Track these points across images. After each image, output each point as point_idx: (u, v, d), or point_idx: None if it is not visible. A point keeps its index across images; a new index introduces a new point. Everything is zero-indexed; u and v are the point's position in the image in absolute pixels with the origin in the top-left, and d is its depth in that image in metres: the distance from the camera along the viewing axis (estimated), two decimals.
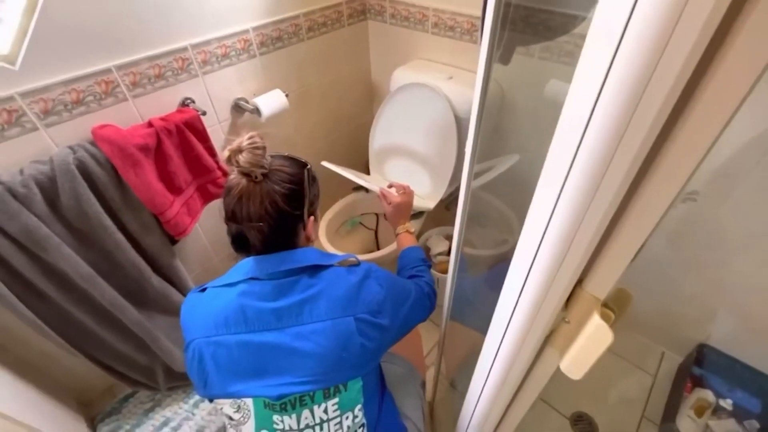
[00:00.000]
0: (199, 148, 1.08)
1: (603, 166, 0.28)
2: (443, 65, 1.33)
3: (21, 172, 0.86)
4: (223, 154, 0.63)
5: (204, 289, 0.70)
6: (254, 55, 1.21)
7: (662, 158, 0.29)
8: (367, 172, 1.59)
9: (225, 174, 1.17)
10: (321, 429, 0.66)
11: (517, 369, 0.53)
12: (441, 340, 1.03)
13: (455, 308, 0.92)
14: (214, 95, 1.16)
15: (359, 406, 0.68)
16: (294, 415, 0.64)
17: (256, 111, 1.21)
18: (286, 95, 1.26)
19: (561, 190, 0.31)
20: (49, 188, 0.87)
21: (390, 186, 1.12)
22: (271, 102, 1.23)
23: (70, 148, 0.90)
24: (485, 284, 0.93)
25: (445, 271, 1.32)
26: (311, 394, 0.64)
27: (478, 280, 0.96)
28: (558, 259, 0.34)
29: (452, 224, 0.85)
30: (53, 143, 0.91)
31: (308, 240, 0.73)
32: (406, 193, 1.08)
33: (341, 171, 1.18)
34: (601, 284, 0.38)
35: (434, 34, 1.31)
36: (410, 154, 1.41)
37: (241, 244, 0.68)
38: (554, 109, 0.34)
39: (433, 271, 1.40)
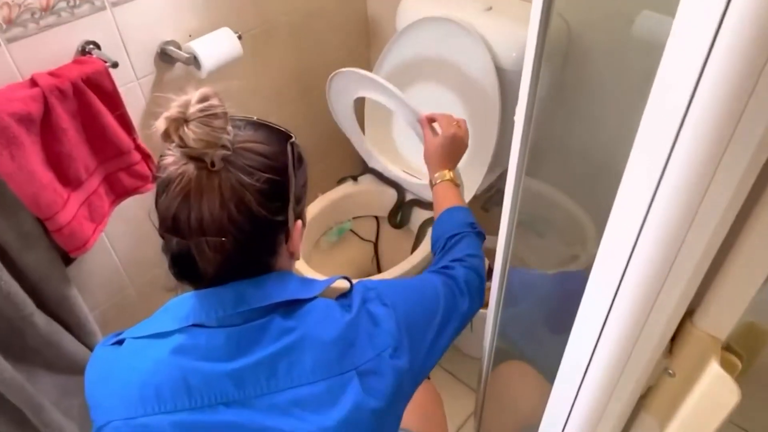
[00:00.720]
0: (108, 117, 1.10)
1: (726, 130, 0.28)
2: None
3: None
4: (155, 127, 0.60)
5: (121, 341, 0.70)
6: None
7: None
8: (359, 153, 1.60)
9: (146, 157, 1.19)
10: None
11: None
12: (478, 408, 1.04)
13: (500, 357, 0.93)
14: (129, 38, 1.17)
15: None
16: None
17: (193, 61, 1.22)
18: (239, 36, 1.28)
19: (664, 168, 0.32)
20: None
21: (431, 121, 1.14)
22: (216, 47, 1.24)
23: None
24: (544, 322, 0.94)
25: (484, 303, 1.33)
26: None
27: (535, 315, 0.97)
28: (658, 277, 0.35)
29: (493, 233, 0.86)
30: None
31: (292, 257, 0.73)
32: (461, 128, 1.10)
33: (375, 81, 1.18)
34: (722, 317, 0.39)
35: None
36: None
37: (188, 269, 0.66)
38: (649, 53, 0.35)
39: None
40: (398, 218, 1.56)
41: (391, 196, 1.57)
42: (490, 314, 0.91)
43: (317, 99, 1.67)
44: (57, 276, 1.11)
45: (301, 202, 0.72)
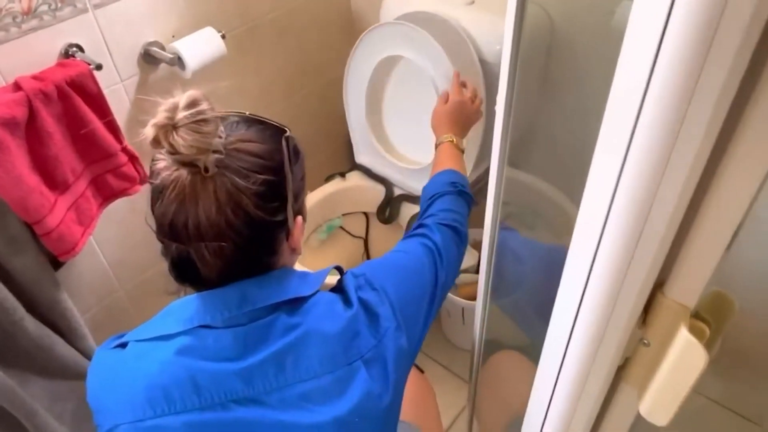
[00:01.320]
0: (93, 119, 1.12)
1: (682, 101, 0.31)
2: None
3: None
4: (143, 134, 0.60)
5: (123, 344, 0.71)
6: None
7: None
8: (347, 149, 1.63)
9: (133, 158, 1.21)
10: None
11: (578, 425, 0.57)
12: (471, 399, 1.07)
13: (491, 348, 0.95)
14: (112, 40, 1.20)
15: None
16: None
17: (178, 61, 1.25)
18: (222, 36, 1.31)
19: (628, 148, 0.35)
20: None
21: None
22: (200, 47, 1.27)
23: None
24: (534, 312, 0.97)
25: (472, 297, 1.36)
26: None
27: (523, 305, 1.00)
28: (627, 248, 0.39)
29: (481, 225, 0.89)
30: None
31: (294, 252, 0.75)
32: (474, 102, 1.18)
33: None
34: (689, 285, 0.42)
35: None
36: (413, 121, 1.45)
37: (188, 273, 0.67)
38: None
39: (456, 298, 1.44)
40: (387, 214, 1.59)
41: (379, 192, 1.60)
42: (478, 307, 0.93)
43: (304, 96, 1.70)
44: (46, 280, 1.13)
45: (299, 198, 0.72)
